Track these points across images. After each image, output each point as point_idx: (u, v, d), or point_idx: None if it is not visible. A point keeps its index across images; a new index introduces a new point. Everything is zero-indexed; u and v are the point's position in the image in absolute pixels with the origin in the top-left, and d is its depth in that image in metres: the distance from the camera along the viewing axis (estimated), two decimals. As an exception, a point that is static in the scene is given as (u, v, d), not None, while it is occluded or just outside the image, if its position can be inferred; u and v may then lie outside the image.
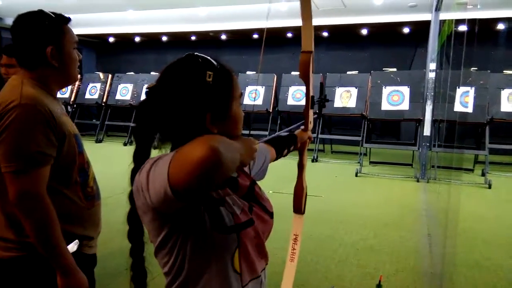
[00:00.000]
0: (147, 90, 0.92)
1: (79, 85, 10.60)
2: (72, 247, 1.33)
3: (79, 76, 1.48)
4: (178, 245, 0.86)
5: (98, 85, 10.59)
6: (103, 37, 11.88)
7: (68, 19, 1.40)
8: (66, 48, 1.37)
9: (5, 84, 1.38)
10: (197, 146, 0.69)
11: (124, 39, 12.01)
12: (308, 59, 1.32)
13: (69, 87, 10.29)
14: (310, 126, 1.43)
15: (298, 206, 1.38)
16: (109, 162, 7.66)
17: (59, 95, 1.48)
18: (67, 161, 1.34)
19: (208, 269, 0.87)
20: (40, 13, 1.34)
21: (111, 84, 10.54)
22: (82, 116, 10.85)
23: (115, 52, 12.63)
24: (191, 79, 0.87)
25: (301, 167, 1.38)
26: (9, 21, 9.67)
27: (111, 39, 12.10)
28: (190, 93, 0.87)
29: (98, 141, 10.13)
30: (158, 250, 0.90)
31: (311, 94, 1.40)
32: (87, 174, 1.43)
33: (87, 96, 10.56)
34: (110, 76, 10.64)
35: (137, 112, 0.91)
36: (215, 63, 0.91)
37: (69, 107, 10.51)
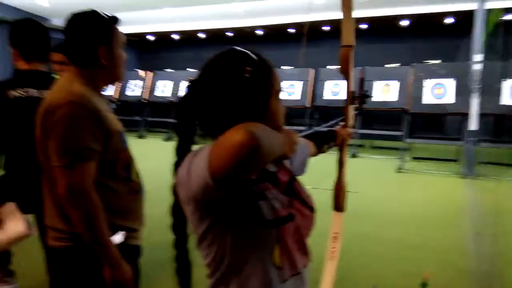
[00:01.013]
0: (188, 84, 0.93)
1: (121, 83, 10.93)
2: (119, 238, 1.37)
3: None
4: (218, 238, 0.87)
5: (139, 82, 10.89)
6: (142, 36, 12.19)
7: (118, 20, 1.43)
8: (116, 48, 1.41)
9: (53, 81, 1.44)
10: (235, 132, 0.70)
11: (163, 37, 12.27)
12: (348, 53, 1.29)
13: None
14: (350, 122, 1.39)
15: (338, 204, 1.35)
16: (151, 157, 7.86)
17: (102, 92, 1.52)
18: (112, 156, 1.38)
19: (248, 262, 0.87)
20: (94, 13, 1.38)
21: (151, 81, 10.81)
22: (125, 112, 11.19)
23: (154, 50, 12.94)
24: (230, 75, 0.87)
25: (341, 164, 1.35)
26: (56, 21, 10.11)
27: (150, 37, 12.40)
28: (228, 88, 0.87)
29: (140, 137, 10.42)
30: (199, 242, 0.91)
31: (351, 89, 1.37)
32: (130, 169, 1.47)
33: (129, 93, 10.87)
34: (150, 73, 10.91)
35: (178, 107, 0.92)
36: (255, 57, 0.90)
37: (112, 104, 10.87)
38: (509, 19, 5.97)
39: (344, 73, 1.31)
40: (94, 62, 1.38)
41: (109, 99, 10.63)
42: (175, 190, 0.91)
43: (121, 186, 1.42)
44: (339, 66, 1.31)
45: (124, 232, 1.39)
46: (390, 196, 5.27)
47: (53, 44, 2.18)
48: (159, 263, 3.15)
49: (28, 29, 1.94)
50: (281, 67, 9.74)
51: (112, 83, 1.51)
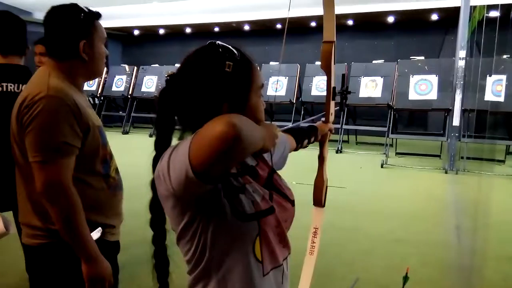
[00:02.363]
0: (167, 77, 0.92)
1: (105, 78, 10.80)
2: (96, 234, 1.36)
3: (105, 69, 1.52)
4: (198, 233, 0.86)
5: (124, 77, 10.77)
6: (128, 30, 12.04)
7: (100, 15, 1.43)
8: (97, 43, 1.40)
9: (33, 74, 1.41)
10: (216, 122, 0.70)
11: (149, 32, 12.14)
12: (330, 49, 1.28)
13: (96, 80, 10.50)
14: (331, 118, 1.39)
15: (318, 199, 1.35)
16: (135, 153, 7.80)
17: (86, 87, 1.51)
18: (90, 152, 1.37)
19: (229, 257, 0.87)
20: (75, 6, 1.38)
21: (136, 77, 10.70)
22: (109, 108, 11.08)
23: (140, 45, 12.80)
24: (210, 68, 0.87)
25: (321, 159, 1.35)
26: (38, 15, 9.91)
27: (136, 32, 12.26)
28: (208, 82, 0.87)
29: (125, 132, 10.32)
30: (179, 238, 0.90)
31: (332, 85, 1.36)
32: (109, 165, 1.46)
33: (114, 88, 10.75)
34: (135, 68, 10.80)
35: (158, 100, 0.91)
36: (236, 52, 0.90)
37: (96, 99, 10.74)
38: (492, 16, 6.06)
39: (325, 69, 1.31)
40: (73, 55, 1.36)
41: (92, 94, 10.51)
42: (153, 185, 0.89)
43: (99, 182, 1.41)
44: (320, 62, 1.30)
45: (100, 228, 1.38)
46: (374, 191, 5.33)
47: (36, 37, 2.16)
48: (139, 260, 3.13)
49: (5, 23, 1.91)
50: (269, 63, 9.72)
51: (91, 78, 1.50)
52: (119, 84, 10.75)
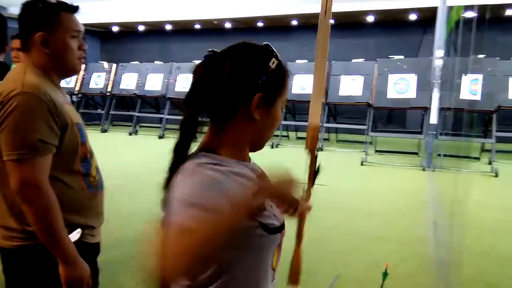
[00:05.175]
0: (210, 52, 0.91)
1: (84, 75, 10.60)
2: (74, 236, 1.32)
3: (82, 66, 1.47)
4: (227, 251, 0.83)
5: (103, 74, 10.59)
6: (106, 26, 11.84)
7: (70, 8, 1.37)
8: (60, 35, 1.34)
9: (8, 71, 1.37)
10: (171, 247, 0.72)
11: (128, 28, 11.96)
12: (317, 133, 1.20)
13: (74, 77, 10.29)
14: (310, 202, 1.20)
15: (295, 278, 1.21)
16: (115, 152, 7.69)
17: (64, 84, 1.47)
18: (69, 150, 1.33)
19: (254, 268, 0.90)
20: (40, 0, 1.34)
21: (115, 74, 10.53)
22: (87, 105, 10.88)
23: (119, 41, 12.61)
24: (257, 57, 0.92)
25: (299, 237, 1.18)
26: (13, 10, 9.65)
27: (114, 28, 12.06)
28: (251, 68, 0.90)
29: (103, 130, 10.15)
30: None
31: (313, 169, 1.24)
32: (89, 163, 1.42)
33: (92, 85, 10.56)
34: (114, 65, 10.62)
35: (195, 72, 0.91)
36: (280, 59, 0.95)
37: (74, 96, 10.53)
38: (469, 16, 6.19)
39: (311, 152, 1.20)
40: (34, 47, 1.33)
41: (70, 91, 10.30)
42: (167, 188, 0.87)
43: (78, 182, 1.37)
44: (306, 145, 1.19)
45: (79, 229, 1.34)
46: (355, 189, 5.39)
47: (12, 33, 2.11)
48: (120, 260, 3.09)
49: None
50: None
51: (66, 74, 1.45)
52: (98, 81, 10.57)
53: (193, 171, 0.84)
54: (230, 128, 0.91)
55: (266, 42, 0.95)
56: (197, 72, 0.91)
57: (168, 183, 0.88)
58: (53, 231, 1.24)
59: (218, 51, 0.92)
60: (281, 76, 0.95)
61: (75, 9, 1.39)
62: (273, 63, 0.92)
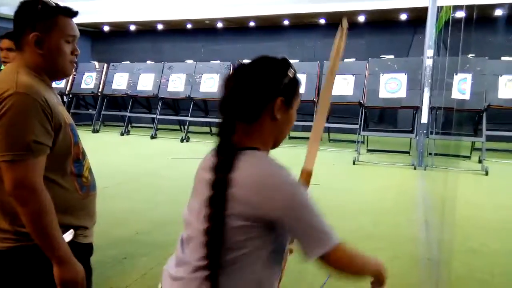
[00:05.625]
0: (240, 65, 1.13)
1: (74, 75, 10.51)
2: (67, 236, 1.32)
3: (73, 71, 1.47)
4: (256, 246, 1.04)
5: (94, 74, 10.52)
6: (97, 26, 11.75)
7: (69, 12, 1.38)
8: (55, 38, 1.34)
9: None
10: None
11: (119, 28, 11.89)
12: (309, 179, 1.35)
13: (65, 77, 10.21)
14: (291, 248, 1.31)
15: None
16: (106, 152, 7.66)
17: (54, 85, 1.47)
18: (62, 151, 1.33)
19: (271, 271, 1.09)
20: (40, 1, 1.33)
21: (106, 74, 10.47)
22: (78, 106, 10.79)
23: (110, 41, 12.52)
24: (278, 68, 1.12)
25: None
26: (2, 10, 9.54)
27: (105, 28, 11.98)
28: (274, 77, 1.10)
29: (95, 131, 10.09)
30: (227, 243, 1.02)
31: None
32: (82, 164, 1.42)
33: (83, 85, 10.49)
34: (105, 65, 10.56)
35: (227, 82, 1.11)
36: (295, 70, 1.16)
37: (64, 97, 10.45)
38: (458, 16, 6.26)
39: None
40: (25, 47, 1.33)
41: (60, 91, 10.23)
42: (219, 198, 1.01)
43: (71, 182, 1.37)
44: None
45: (72, 230, 1.34)
46: (347, 188, 5.42)
47: (2, 32, 2.09)
48: (112, 260, 3.08)
49: None
50: (243, 61, 9.69)
51: (57, 77, 1.45)
52: (89, 81, 10.49)
53: (279, 173, 1.05)
54: (258, 128, 1.10)
55: (283, 56, 1.17)
56: (228, 83, 1.11)
57: (224, 181, 1.01)
58: (47, 232, 1.24)
59: (245, 64, 1.13)
60: (296, 83, 1.15)
61: (74, 14, 1.39)
62: (290, 72, 1.12)
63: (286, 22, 10.31)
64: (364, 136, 7.81)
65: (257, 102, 1.08)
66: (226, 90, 1.10)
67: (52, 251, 1.26)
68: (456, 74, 7.20)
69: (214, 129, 9.86)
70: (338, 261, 1.05)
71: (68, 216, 1.35)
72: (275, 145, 1.16)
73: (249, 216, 1.00)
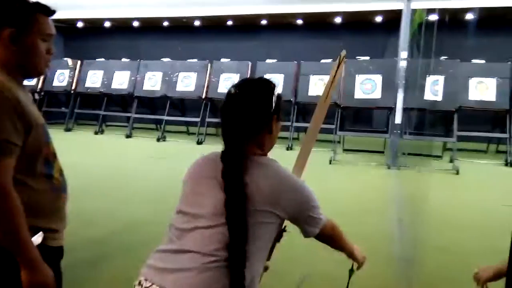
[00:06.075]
0: (233, 92, 1.29)
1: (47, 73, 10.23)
2: (36, 239, 1.28)
3: (46, 70, 1.43)
4: (270, 233, 1.25)
5: (67, 71, 10.26)
6: (71, 22, 11.47)
7: (48, 10, 1.36)
8: (31, 36, 1.31)
9: None
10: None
11: (93, 24, 11.64)
12: None
13: (36, 74, 9.92)
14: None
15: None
16: (80, 151, 7.48)
17: (25, 82, 1.43)
18: (32, 151, 1.29)
19: (262, 263, 1.27)
20: None
21: (80, 71, 10.23)
22: (50, 104, 10.50)
23: (84, 38, 12.24)
24: (270, 90, 1.30)
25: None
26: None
27: (79, 24, 11.71)
28: (267, 100, 1.28)
29: (68, 130, 9.85)
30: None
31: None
32: (52, 165, 1.38)
33: (55, 83, 10.23)
34: (79, 62, 10.32)
35: (225, 109, 1.27)
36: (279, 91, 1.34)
37: (36, 95, 10.15)
38: (431, 19, 6.42)
39: None
40: (2, 42, 1.28)
41: (32, 89, 9.94)
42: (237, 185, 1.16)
43: (41, 184, 1.33)
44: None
45: (41, 233, 1.30)
46: (323, 187, 5.44)
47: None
48: (84, 262, 3.01)
49: None
50: (221, 59, 9.66)
51: (30, 75, 1.41)
52: (61, 79, 10.24)
53: (289, 174, 1.33)
54: (258, 142, 1.28)
55: (265, 77, 1.38)
56: (228, 111, 1.27)
57: (241, 182, 1.16)
58: (16, 235, 1.20)
59: (238, 91, 1.28)
60: (280, 98, 1.32)
61: (52, 12, 1.36)
62: (275, 90, 1.30)
63: (264, 22, 10.33)
64: (340, 136, 7.90)
65: (259, 125, 1.26)
66: (226, 117, 1.26)
67: (21, 255, 1.22)
68: (429, 76, 7.37)
69: (191, 129, 9.79)
70: (324, 234, 1.40)
71: (38, 218, 1.31)
72: (268, 151, 1.34)
73: (268, 212, 1.19)
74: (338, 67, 1.74)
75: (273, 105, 1.28)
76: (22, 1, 1.31)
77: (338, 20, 9.83)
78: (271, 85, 1.31)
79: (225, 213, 1.14)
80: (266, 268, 1.38)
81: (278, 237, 1.36)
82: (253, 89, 1.31)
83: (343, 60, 1.82)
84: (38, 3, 1.34)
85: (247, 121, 1.25)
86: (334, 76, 1.80)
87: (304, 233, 1.35)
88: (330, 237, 1.47)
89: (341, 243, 1.54)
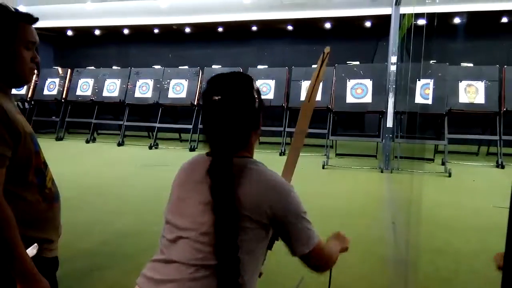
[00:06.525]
0: (217, 99, 1.18)
1: (36, 81, 10.16)
2: (31, 251, 1.26)
3: (33, 78, 1.41)
4: (259, 240, 1.18)
5: (57, 80, 10.19)
6: (61, 31, 11.42)
7: (30, 19, 1.34)
8: (14, 45, 1.30)
9: None
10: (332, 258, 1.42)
11: (83, 32, 11.60)
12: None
13: (26, 83, 9.83)
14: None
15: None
16: (71, 160, 7.41)
17: (15, 91, 1.41)
18: (22, 161, 1.27)
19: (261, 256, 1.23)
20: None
21: (70, 79, 10.17)
22: (41, 113, 10.41)
23: (74, 46, 12.18)
24: (252, 88, 1.24)
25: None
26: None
27: (69, 32, 11.66)
28: (254, 98, 1.23)
29: (59, 138, 9.76)
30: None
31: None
32: (44, 175, 1.36)
33: (46, 92, 10.14)
34: (69, 71, 10.26)
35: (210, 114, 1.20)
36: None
37: (26, 104, 10.07)
38: (420, 24, 6.49)
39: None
40: None
41: (21, 98, 9.86)
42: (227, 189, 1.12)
43: (33, 195, 1.31)
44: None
45: (36, 244, 1.28)
46: (317, 192, 5.48)
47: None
48: (79, 273, 2.98)
49: None
50: (212, 66, 9.67)
51: (16, 84, 1.39)
52: (52, 87, 10.16)
53: (279, 179, 1.24)
54: (249, 142, 1.25)
55: (239, 71, 1.31)
56: (215, 118, 1.18)
57: (231, 185, 1.12)
58: (9, 247, 1.18)
59: (222, 97, 1.17)
60: (260, 94, 1.28)
61: (34, 20, 1.35)
62: (255, 86, 1.25)
63: (254, 28, 10.37)
64: (332, 140, 7.93)
65: (249, 128, 1.23)
66: (214, 126, 1.19)
67: (15, 267, 1.19)
68: (419, 80, 7.44)
69: (183, 136, 9.77)
70: (316, 257, 1.26)
71: (31, 229, 1.29)
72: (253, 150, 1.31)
73: (255, 218, 1.13)
74: (322, 64, 1.67)
75: (257, 101, 1.23)
76: (4, 10, 1.29)
77: (327, 25, 9.91)
78: (250, 81, 1.25)
79: (210, 221, 1.11)
80: (260, 274, 1.35)
81: (270, 245, 1.31)
82: (236, 91, 1.21)
83: (327, 56, 1.71)
84: (19, 11, 1.33)
85: (238, 128, 1.20)
86: (318, 73, 1.72)
87: (292, 251, 1.23)
88: (320, 264, 1.34)
89: (332, 262, 1.41)
